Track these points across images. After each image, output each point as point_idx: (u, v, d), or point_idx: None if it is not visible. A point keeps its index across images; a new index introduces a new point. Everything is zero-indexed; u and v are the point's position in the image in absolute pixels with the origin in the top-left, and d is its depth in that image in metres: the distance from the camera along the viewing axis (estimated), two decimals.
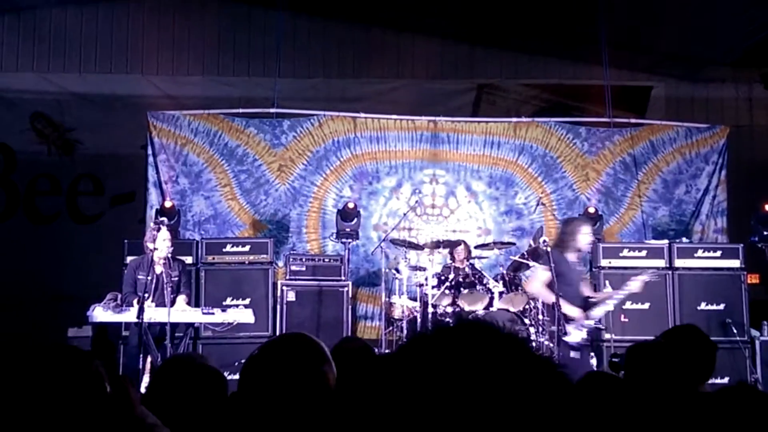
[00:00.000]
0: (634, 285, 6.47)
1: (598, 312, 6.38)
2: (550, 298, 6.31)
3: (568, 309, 6.25)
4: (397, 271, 8.73)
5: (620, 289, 6.54)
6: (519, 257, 8.77)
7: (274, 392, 2.02)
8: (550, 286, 6.28)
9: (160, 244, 7.03)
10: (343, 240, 9.10)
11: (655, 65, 10.90)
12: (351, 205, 9.17)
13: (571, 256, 6.46)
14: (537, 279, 6.55)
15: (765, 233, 9.10)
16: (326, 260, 8.93)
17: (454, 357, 1.00)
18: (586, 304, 6.36)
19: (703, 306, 8.51)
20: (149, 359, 6.75)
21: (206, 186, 9.62)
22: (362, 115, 9.94)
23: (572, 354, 6.21)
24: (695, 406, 2.98)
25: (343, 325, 8.50)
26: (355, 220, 9.13)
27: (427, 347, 1.04)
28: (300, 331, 2.38)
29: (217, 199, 9.62)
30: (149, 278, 6.94)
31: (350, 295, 8.68)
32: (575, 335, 6.25)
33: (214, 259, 8.56)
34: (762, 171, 10.05)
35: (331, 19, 10.89)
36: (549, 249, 6.40)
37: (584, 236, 6.49)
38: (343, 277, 8.74)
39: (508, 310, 8.14)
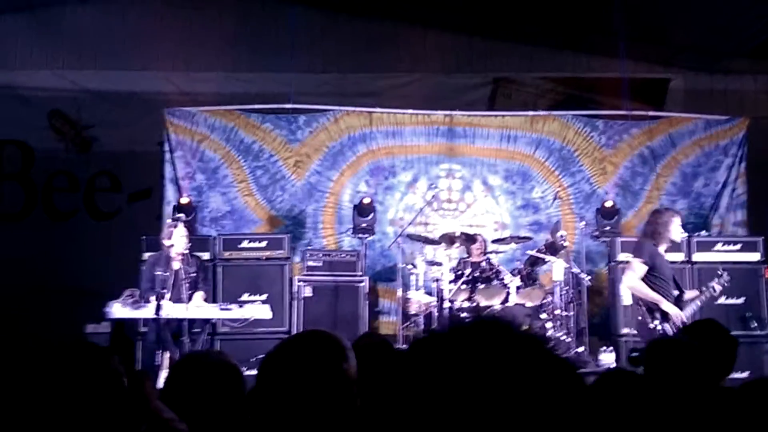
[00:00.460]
0: (717, 288, 6.33)
1: (688, 312, 6.12)
2: (647, 293, 6.01)
3: (668, 306, 5.97)
4: (414, 266, 8.72)
5: (704, 291, 6.34)
6: (536, 252, 8.74)
7: (293, 389, 2.02)
8: (644, 280, 6.02)
9: (177, 240, 7.05)
10: (360, 235, 9.10)
11: (672, 57, 10.81)
12: (367, 201, 9.17)
13: (663, 249, 6.21)
14: (634, 273, 6.13)
15: None
16: (342, 256, 8.94)
17: (468, 356, 0.99)
18: (678, 303, 6.12)
19: (722, 300, 8.43)
20: (167, 355, 6.78)
21: (223, 182, 9.64)
22: (378, 110, 9.93)
23: None
24: (718, 401, 2.95)
25: (360, 320, 8.51)
26: (372, 215, 9.13)
27: (441, 347, 1.02)
28: (319, 328, 2.37)
29: (234, 195, 9.64)
30: (167, 274, 6.97)
31: (367, 291, 8.69)
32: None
33: (230, 255, 8.59)
34: None
35: (346, 14, 10.86)
36: (642, 240, 6.20)
37: (677, 227, 6.26)
38: (359, 273, 8.74)
39: (525, 305, 8.12)
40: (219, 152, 9.67)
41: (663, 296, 6.02)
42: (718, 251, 8.68)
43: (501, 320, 1.06)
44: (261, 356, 2.21)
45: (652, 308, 6.02)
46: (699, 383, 3.42)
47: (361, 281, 8.67)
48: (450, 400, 0.96)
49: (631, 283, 6.17)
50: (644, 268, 6.04)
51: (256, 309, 7.29)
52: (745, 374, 7.13)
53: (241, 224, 9.56)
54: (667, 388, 3.36)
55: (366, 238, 9.13)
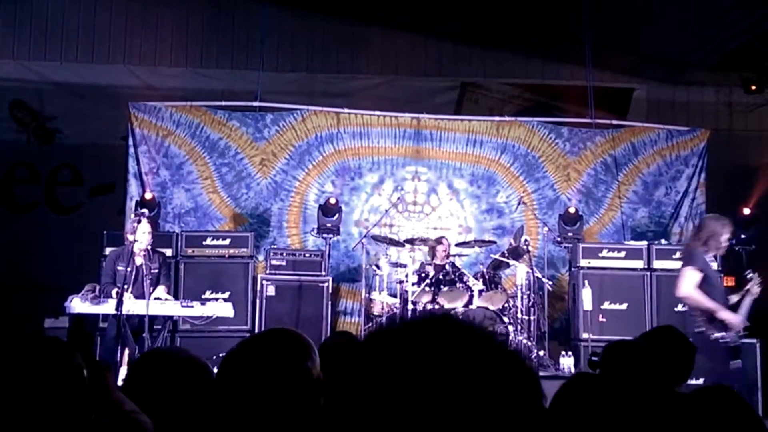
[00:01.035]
0: (756, 290, 6.08)
1: (743, 317, 5.94)
2: (703, 301, 5.80)
3: (727, 315, 5.77)
4: (378, 267, 8.73)
5: (745, 295, 6.07)
6: (499, 256, 8.81)
7: (255, 387, 2.01)
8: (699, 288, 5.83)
9: (141, 236, 6.97)
10: (324, 235, 9.09)
11: (637, 67, 10.97)
12: (332, 201, 9.16)
13: (709, 257, 6.04)
14: (688, 280, 5.90)
15: (742, 236, 9.20)
16: (307, 255, 8.92)
17: (419, 349, 1.00)
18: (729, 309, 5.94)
19: (680, 307, 8.55)
20: (127, 351, 6.70)
21: (187, 178, 9.57)
22: (345, 110, 9.93)
23: (733, 363, 5.81)
24: (670, 406, 3.01)
25: (323, 320, 8.49)
26: (337, 215, 9.13)
27: (393, 340, 1.03)
28: (281, 326, 2.36)
29: (198, 192, 9.57)
30: (129, 270, 6.89)
31: (330, 291, 8.68)
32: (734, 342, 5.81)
33: (193, 252, 8.53)
34: (740, 175, 10.15)
35: (316, 14, 10.86)
36: (693, 247, 6.04)
37: (726, 237, 6.09)
38: (323, 273, 8.73)
39: (487, 308, 8.18)
40: (184, 148, 9.59)
41: (718, 304, 5.84)
42: (677, 259, 8.79)
43: (453, 316, 1.07)
44: (222, 354, 2.20)
45: (711, 318, 5.78)
46: (653, 387, 3.48)
47: (325, 281, 8.66)
48: (401, 394, 0.96)
49: (686, 292, 5.91)
50: (699, 276, 5.85)
51: (218, 307, 7.24)
52: (700, 381, 7.27)
53: (205, 221, 9.50)
54: (621, 390, 3.41)
55: (330, 238, 9.12)
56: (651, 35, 10.01)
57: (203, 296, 7.98)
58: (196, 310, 7.11)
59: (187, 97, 9.92)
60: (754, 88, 10.39)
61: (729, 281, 9.02)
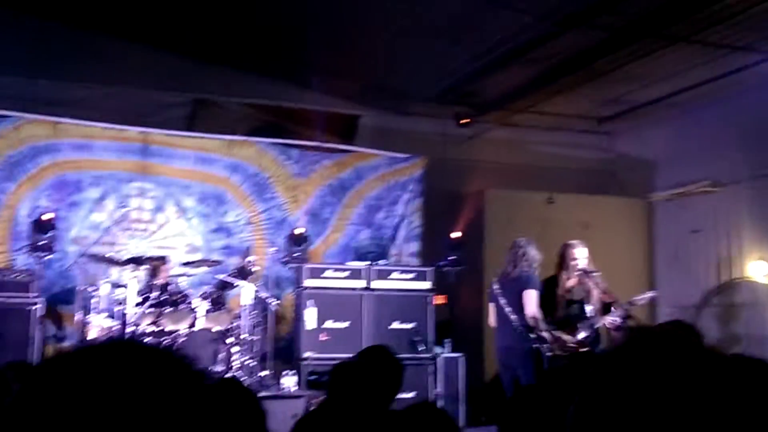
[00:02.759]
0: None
1: None
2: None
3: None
4: (96, 288, 8.29)
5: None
6: (226, 276, 8.77)
7: None
8: None
9: None
10: (37, 254, 8.46)
11: (363, 95, 11.50)
12: (47, 217, 8.56)
13: None
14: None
15: (451, 258, 10.03)
16: (15, 275, 8.23)
17: (90, 372, 0.98)
18: None
19: (395, 325, 9.13)
20: None
21: None
22: (65, 120, 9.34)
23: None
24: (386, 423, 3.20)
25: (32, 345, 7.88)
26: (51, 232, 8.54)
27: (62, 366, 1.00)
28: None
29: None
30: None
31: (41, 314, 8.08)
32: None
33: None
34: (452, 201, 11.02)
35: (38, 17, 10.10)
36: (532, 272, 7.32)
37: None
38: (33, 294, 8.11)
39: (212, 330, 8.10)
40: None
41: None
42: (393, 279, 9.38)
43: (138, 341, 1.07)
44: None
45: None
46: (374, 405, 3.69)
47: (35, 303, 8.05)
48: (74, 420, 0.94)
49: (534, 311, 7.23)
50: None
51: None
52: (412, 394, 7.76)
53: None
54: (348, 409, 3.57)
55: (44, 256, 8.51)
56: (376, 65, 10.56)
57: None
58: None
59: None
60: (465, 121, 11.39)
61: (440, 299, 9.77)
